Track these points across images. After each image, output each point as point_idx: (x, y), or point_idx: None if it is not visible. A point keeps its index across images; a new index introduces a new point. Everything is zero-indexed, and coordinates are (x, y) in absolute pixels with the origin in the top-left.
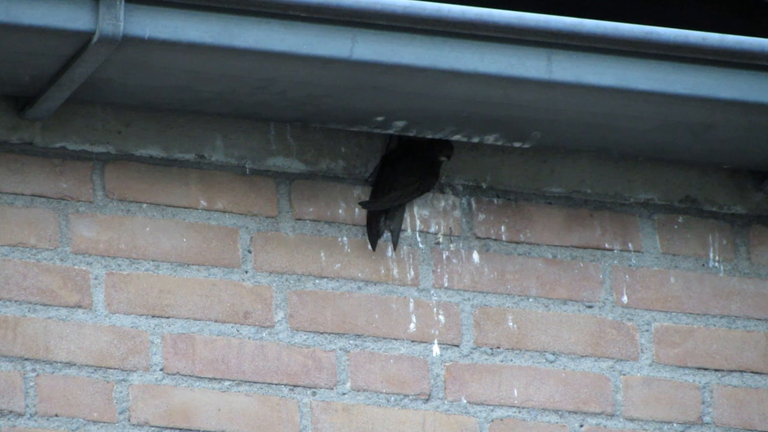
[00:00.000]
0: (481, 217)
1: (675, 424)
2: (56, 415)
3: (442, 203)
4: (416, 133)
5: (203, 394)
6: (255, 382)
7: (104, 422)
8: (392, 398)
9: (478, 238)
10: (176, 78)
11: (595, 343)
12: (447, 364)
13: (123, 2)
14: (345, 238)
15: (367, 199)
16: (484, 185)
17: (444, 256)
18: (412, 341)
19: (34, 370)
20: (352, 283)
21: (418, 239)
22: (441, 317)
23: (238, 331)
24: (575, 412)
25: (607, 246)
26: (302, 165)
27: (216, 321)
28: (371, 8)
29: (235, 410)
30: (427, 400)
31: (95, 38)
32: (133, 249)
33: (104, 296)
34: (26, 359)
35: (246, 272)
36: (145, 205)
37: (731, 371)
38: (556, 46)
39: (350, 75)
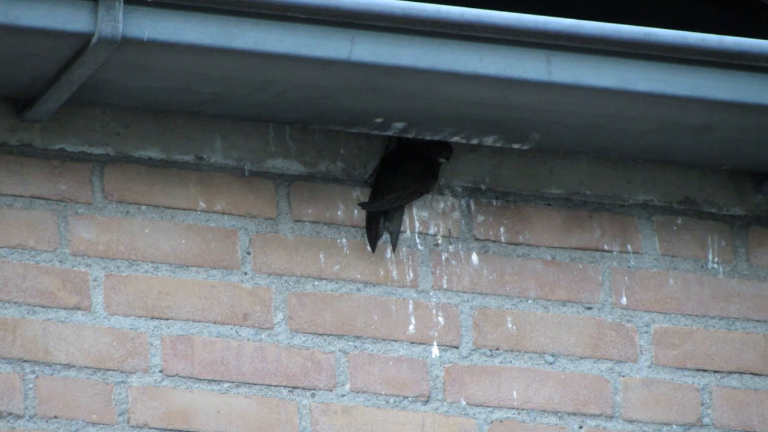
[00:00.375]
0: (480, 218)
1: (674, 426)
2: (55, 417)
3: (441, 205)
4: (415, 134)
5: (202, 395)
6: (254, 384)
7: (103, 424)
8: (391, 400)
9: (477, 239)
10: (175, 79)
11: (595, 345)
12: (446, 365)
13: (122, 4)
14: (344, 240)
15: (367, 200)
16: (483, 187)
17: (443, 258)
18: (412, 343)
19: (33, 371)
20: (351, 284)
21: (417, 241)
22: (440, 319)
23: (237, 332)
24: (574, 414)
25: (606, 247)
26: (301, 166)
27: (215, 323)
28: (370, 10)
29: (234, 412)
30: (426, 402)
31: (94, 40)
32: (132, 250)
33: (103, 298)
34: (25, 361)
35: (245, 274)
36: (144, 207)
37: (730, 373)
38: (555, 47)
39: (349, 76)
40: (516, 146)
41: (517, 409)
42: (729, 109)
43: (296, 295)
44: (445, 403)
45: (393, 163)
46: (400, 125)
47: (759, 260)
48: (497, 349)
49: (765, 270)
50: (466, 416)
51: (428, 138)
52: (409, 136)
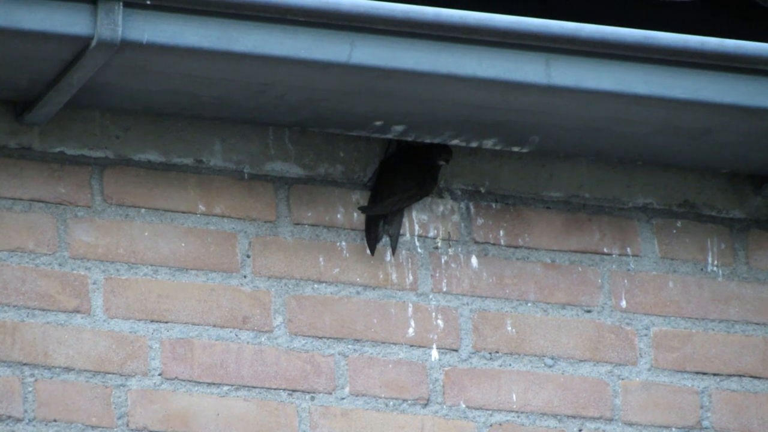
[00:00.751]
0: (480, 221)
1: (674, 429)
2: (55, 420)
3: (441, 208)
4: (415, 137)
5: (202, 399)
6: (253, 387)
7: (103, 427)
8: (391, 403)
9: (476, 242)
10: (174, 82)
11: (594, 348)
12: (446, 368)
13: (121, 7)
14: (343, 243)
15: (366, 203)
16: (482, 190)
17: (443, 261)
18: (411, 346)
19: (32, 375)
20: (350, 287)
21: (417, 244)
22: (440, 322)
23: (236, 335)
24: (574, 417)
25: (605, 250)
26: (301, 170)
27: (214, 326)
28: (370, 12)
29: (233, 415)
30: (425, 405)
31: (93, 43)
32: (131, 254)
33: (103, 301)
34: (25, 364)
35: (244, 277)
36: (143, 210)
37: (730, 376)
38: (554, 50)
39: (349, 79)
40: (515, 149)
41: (517, 412)
42: (729, 112)
43: (296, 298)
44: (444, 406)
45: (392, 166)
46: (399, 128)
47: (758, 263)
48: (497, 352)
49: (764, 273)
50: (466, 419)
51: (428, 141)
52: (409, 139)
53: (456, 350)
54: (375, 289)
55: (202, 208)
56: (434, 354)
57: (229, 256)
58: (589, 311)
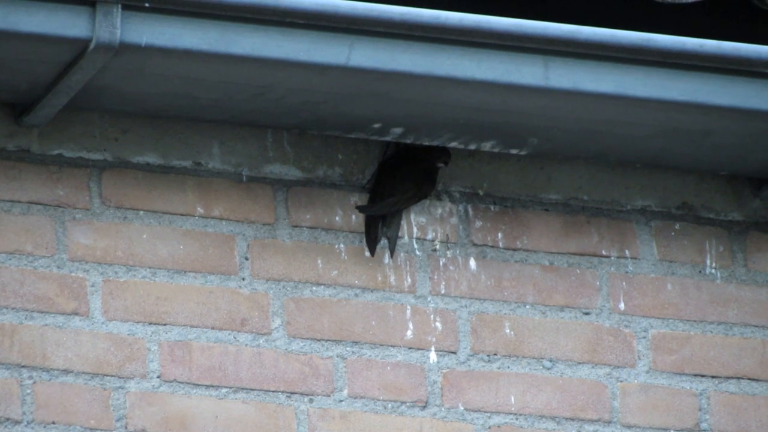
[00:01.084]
0: (478, 224)
1: (672, 431)
2: (53, 423)
3: (439, 210)
4: (413, 139)
5: (200, 401)
6: (252, 389)
7: (101, 429)
8: (389, 405)
9: (475, 245)
10: (173, 85)
11: (592, 350)
12: (444, 371)
13: (120, 9)
14: (342, 245)
15: (365, 204)
16: (481, 192)
17: (441, 263)
18: (409, 348)
19: (31, 377)
20: (349, 290)
21: (415, 246)
22: (438, 324)
23: (235, 338)
24: (572, 419)
25: (604, 253)
26: (299, 172)
27: (213, 328)
28: (368, 15)
29: (232, 417)
30: (424, 407)
31: (92, 45)
32: (129, 256)
33: (101, 303)
34: (23, 366)
35: (243, 279)
36: (141, 212)
37: (728, 378)
38: (553, 53)
39: (347, 82)
40: (514, 151)
41: (515, 414)
42: (727, 114)
43: (294, 300)
44: (442, 409)
45: (391, 169)
46: (398, 130)
47: (757, 265)
48: (495, 354)
49: (763, 275)
50: (464, 421)
51: (426, 143)
52: (407, 141)
53: (454, 352)
54: (373, 291)
55: (200, 210)
56: (432, 356)
57: (228, 259)
58: (587, 313)
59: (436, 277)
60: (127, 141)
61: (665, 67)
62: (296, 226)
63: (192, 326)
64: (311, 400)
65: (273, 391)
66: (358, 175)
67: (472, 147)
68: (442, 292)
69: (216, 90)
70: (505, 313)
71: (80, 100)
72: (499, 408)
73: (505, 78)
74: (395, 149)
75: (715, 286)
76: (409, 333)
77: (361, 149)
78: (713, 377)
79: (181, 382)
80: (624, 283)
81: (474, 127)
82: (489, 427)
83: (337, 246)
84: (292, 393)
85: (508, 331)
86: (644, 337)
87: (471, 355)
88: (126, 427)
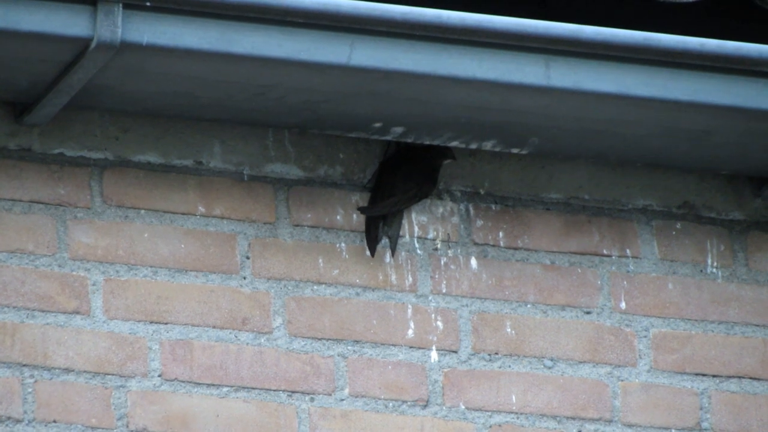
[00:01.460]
0: (479, 223)
1: (673, 430)
2: (54, 422)
3: (440, 209)
4: (414, 139)
5: (201, 400)
6: (253, 388)
7: (102, 428)
8: (390, 404)
9: (476, 244)
10: (174, 84)
11: (593, 349)
12: (445, 370)
13: (121, 8)
14: (343, 244)
15: (366, 205)
16: (482, 191)
17: (442, 262)
18: (411, 347)
19: (32, 376)
20: (350, 289)
21: (416, 245)
22: (439, 323)
23: (236, 337)
24: (573, 418)
25: (605, 252)
26: (300, 171)
27: (214, 327)
28: (370, 14)
29: (233, 416)
30: (425, 406)
31: (93, 44)
32: (131, 255)
33: (102, 302)
34: (24, 365)
35: (244, 278)
36: (143, 211)
37: (729, 377)
38: (554, 52)
39: (348, 81)
40: (515, 151)
41: (516, 413)
42: (728, 113)
43: (295, 299)
44: (443, 408)
45: (392, 168)
46: (399, 130)
47: (758, 265)
48: (496, 353)
49: (764, 274)
50: (465, 420)
51: (427, 142)
52: (408, 140)
53: (455, 351)
54: (374, 290)
55: (201, 209)
56: (434, 355)
57: (229, 258)
58: (588, 313)
59: (437, 276)
60: (128, 140)
61: (666, 67)
62: (297, 225)
63: (193, 325)
64: (312, 399)
65: (274, 390)
66: (359, 175)
67: (473, 146)
68: (444, 291)
69: (217, 89)
70: (506, 313)
71: (81, 99)
72: (500, 407)
73: (507, 77)
74: (396, 148)
75: (716, 285)
76: (410, 332)
77: (362, 148)
78: (714, 376)
79: (183, 381)
80: (625, 283)
81: (475, 127)
82: (490, 426)
83: (338, 245)
84: (293, 392)
85: (509, 330)
86: (645, 337)
87: (472, 355)
88: (127, 426)
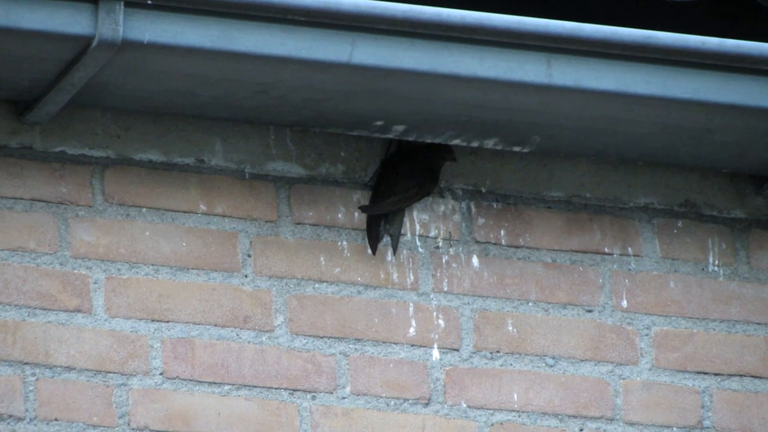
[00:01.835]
0: (481, 221)
1: (675, 429)
2: (56, 420)
3: (442, 207)
4: (416, 137)
5: (203, 398)
6: (255, 387)
7: (104, 426)
8: (392, 402)
9: (477, 242)
10: (176, 82)
11: (595, 348)
12: (447, 368)
13: (122, 7)
14: (345, 243)
15: (367, 203)
16: (483, 189)
17: (443, 261)
18: (412, 345)
19: (33, 374)
20: (351, 287)
21: (418, 243)
22: (441, 321)
23: (237, 335)
24: (575, 417)
25: (606, 250)
26: (302, 169)
27: (216, 325)
28: (371, 13)
29: (234, 414)
30: (426, 405)
31: (95, 42)
32: (132, 253)
33: (104, 300)
34: (26, 363)
35: (245, 276)
36: (144, 210)
37: (731, 375)
38: (555, 50)
39: (350, 79)
40: (516, 149)
41: (518, 411)
42: (729, 112)
43: (297, 297)
44: (445, 406)
45: (393, 166)
46: (400, 128)
47: (759, 263)
48: (498, 351)
49: (765, 273)
50: (467, 419)
51: (429, 141)
52: (410, 138)
53: (457, 350)
54: (376, 288)
55: (203, 207)
56: (435, 354)
57: (230, 256)
58: (590, 311)
59: (438, 274)
60: (130, 138)
61: (667, 65)
62: (299, 224)
63: (195, 323)
64: (314, 398)
65: (276, 389)
66: (360, 173)
67: (475, 144)
68: (445, 289)
69: (218, 87)
70: (507, 311)
71: (83, 98)
72: (502, 405)
73: (508, 75)
74: (398, 147)
75: (717, 283)
76: (411, 330)
77: (363, 147)
78: (716, 375)
79: (184, 379)
80: (627, 281)
81: (476, 125)
82: (492, 425)
83: (339, 243)
84: (295, 390)
85: (510, 328)
86: (647, 335)
87: (474, 353)
88: (129, 424)
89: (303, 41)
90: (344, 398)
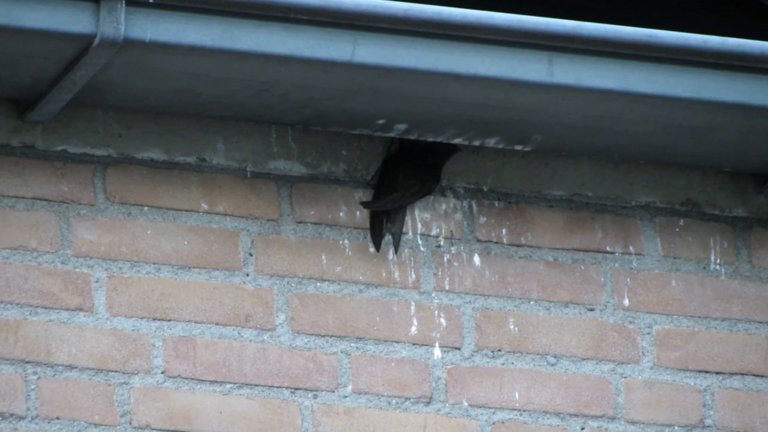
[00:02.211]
0: (483, 219)
1: (676, 427)
2: (57, 418)
3: (444, 206)
4: (417, 136)
5: (204, 397)
6: (256, 385)
7: (105, 425)
8: (393, 401)
9: (479, 240)
10: (177, 81)
11: (597, 346)
12: (448, 366)
13: (124, 5)
14: (346, 241)
15: (369, 200)
16: (485, 188)
17: (445, 259)
18: (414, 344)
19: (35, 372)
20: (353, 285)
21: (420, 242)
22: (442, 320)
23: (239, 334)
24: (576, 415)
25: (608, 249)
26: (303, 168)
27: (217, 324)
28: (372, 11)
29: (236, 413)
30: (428, 403)
31: (96, 41)
32: (134, 252)
33: (105, 299)
34: (27, 362)
35: (247, 275)
36: (146, 208)
37: (732, 374)
38: (557, 49)
39: (351, 78)
40: (518, 148)
41: (519, 410)
42: (731, 110)
43: (298, 296)
44: (447, 405)
45: (395, 165)
46: (402, 127)
47: (761, 262)
48: (499, 350)
49: (767, 271)
50: (468, 417)
51: (430, 139)
52: (411, 137)
53: (458, 348)
54: (377, 287)
55: (204, 206)
56: (437, 352)
57: (232, 255)
58: (591, 309)
59: (440, 273)
60: (132, 137)
61: (669, 64)
62: (300, 222)
63: (196, 322)
64: (315, 396)
65: (277, 387)
66: (362, 171)
67: (476, 143)
68: (447, 288)
69: (220, 86)
70: (509, 309)
71: (84, 96)
72: (504, 404)
73: (509, 74)
74: (399, 145)
75: (719, 282)
76: (413, 329)
77: (365, 145)
78: (717, 373)
79: (186, 378)
80: (628, 279)
81: (478, 123)
82: (493, 423)
83: (341, 242)
84: (297, 389)
85: (512, 327)
86: (648, 333)
87: (475, 351)
88: (130, 423)
89: (304, 40)
90: (346, 397)
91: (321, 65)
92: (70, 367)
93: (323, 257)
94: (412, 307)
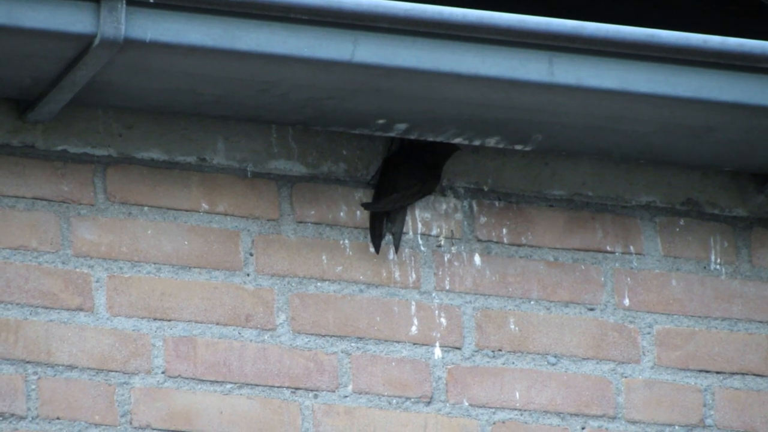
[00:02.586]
0: (483, 219)
1: (677, 427)
2: (58, 418)
3: (444, 206)
4: (417, 135)
5: (205, 396)
6: (257, 385)
7: (106, 425)
8: (394, 401)
9: (479, 240)
10: (177, 81)
11: (597, 346)
12: (449, 366)
13: (124, 5)
14: (347, 241)
15: (369, 201)
16: (485, 188)
17: (445, 259)
18: (414, 344)
19: (35, 373)
20: (353, 285)
21: (420, 242)
22: (443, 320)
23: (239, 333)
24: (577, 415)
25: (608, 248)
26: (304, 168)
27: (218, 324)
28: (373, 11)
29: (236, 413)
30: (428, 403)
31: (97, 41)
32: (134, 252)
33: (106, 299)
34: (28, 362)
35: (247, 275)
36: (146, 208)
37: (733, 374)
38: (557, 48)
39: (352, 78)
40: (518, 147)
41: (520, 410)
42: (731, 110)
43: (299, 296)
44: (447, 404)
45: (395, 164)
46: (402, 126)
47: (761, 261)
48: (500, 350)
49: (767, 271)
50: (469, 417)
51: (430, 139)
52: (412, 137)
53: (459, 348)
54: (378, 287)
55: (205, 206)
56: (437, 352)
57: (232, 255)
58: (592, 309)
59: (440, 272)
60: (132, 137)
61: (669, 63)
62: (301, 222)
63: (197, 322)
64: (316, 396)
65: (278, 387)
66: (362, 171)
67: (477, 143)
68: (447, 287)
69: (220, 86)
70: (509, 309)
71: (84, 96)
72: (504, 404)
73: (510, 74)
74: (399, 145)
75: (719, 281)
76: (413, 329)
77: (365, 145)
78: (718, 373)
79: (186, 378)
80: (629, 279)
81: (478, 123)
82: (494, 423)
83: (341, 242)
84: (297, 389)
85: (512, 326)
86: (649, 333)
87: (476, 351)
88: (131, 423)
89: (305, 40)
90: (346, 397)
91: (321, 65)
92: (71, 367)
93: (324, 257)
94: (413, 307)
